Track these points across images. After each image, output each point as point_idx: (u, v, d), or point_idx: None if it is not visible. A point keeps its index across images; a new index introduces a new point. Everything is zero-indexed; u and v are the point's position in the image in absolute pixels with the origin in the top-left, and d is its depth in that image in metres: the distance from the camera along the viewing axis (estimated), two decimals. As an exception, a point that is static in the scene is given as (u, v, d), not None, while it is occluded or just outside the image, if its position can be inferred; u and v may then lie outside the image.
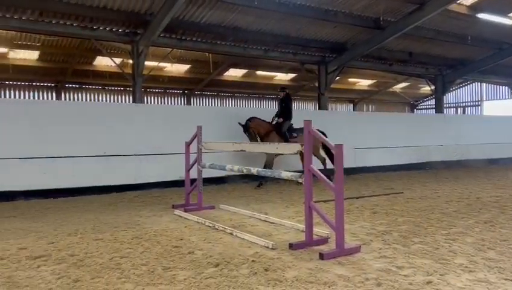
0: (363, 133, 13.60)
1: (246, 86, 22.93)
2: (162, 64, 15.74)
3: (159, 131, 10.13)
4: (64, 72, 18.05)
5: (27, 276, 3.89)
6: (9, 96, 18.86)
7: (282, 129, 10.11)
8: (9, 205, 7.97)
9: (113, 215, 6.92)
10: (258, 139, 9.96)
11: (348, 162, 4.28)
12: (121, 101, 21.62)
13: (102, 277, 3.83)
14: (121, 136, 9.65)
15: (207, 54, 15.85)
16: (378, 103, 30.35)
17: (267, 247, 4.71)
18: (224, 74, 20.78)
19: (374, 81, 25.08)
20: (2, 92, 18.83)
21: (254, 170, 6.03)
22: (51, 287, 3.59)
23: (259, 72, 21.01)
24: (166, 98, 22.95)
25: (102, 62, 17.42)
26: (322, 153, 10.55)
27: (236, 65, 19.46)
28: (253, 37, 13.02)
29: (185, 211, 6.96)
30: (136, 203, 8.19)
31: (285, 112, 10.24)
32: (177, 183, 9.55)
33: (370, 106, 30.63)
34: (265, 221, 6.23)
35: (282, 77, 22.26)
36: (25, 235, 5.54)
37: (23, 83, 19.12)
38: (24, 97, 19.22)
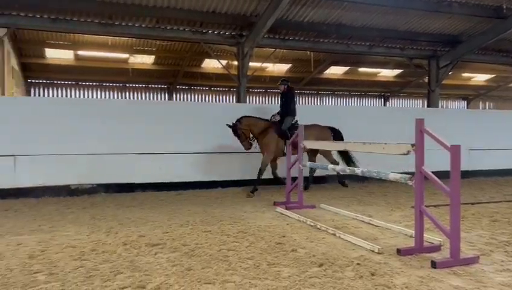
0: (479, 133, 12.41)
1: (347, 83, 22.43)
2: (264, 64, 16.11)
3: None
4: (175, 74, 19.47)
5: (146, 261, 4.27)
6: (128, 97, 20.90)
7: (282, 127, 9.14)
8: (129, 196, 8.83)
9: (220, 209, 7.27)
10: (253, 140, 9.16)
11: (461, 165, 3.92)
12: (226, 101, 22.63)
13: (211, 268, 4.04)
14: (226, 134, 10.11)
15: (308, 52, 15.82)
16: (497, 99, 27.44)
17: (373, 251, 4.54)
18: (325, 72, 20.56)
19: (492, 76, 22.73)
20: (123, 93, 20.93)
21: (358, 171, 5.86)
22: (167, 274, 3.89)
23: (361, 69, 20.39)
24: (267, 98, 23.45)
25: (210, 64, 18.42)
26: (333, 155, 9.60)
27: (337, 63, 19.12)
28: (357, 33, 12.67)
29: (287, 208, 7.03)
30: (239, 198, 8.51)
31: (285, 107, 9.19)
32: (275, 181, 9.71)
33: (487, 103, 27.83)
34: (369, 224, 6.02)
35: (387, 74, 21.34)
36: (143, 224, 6.08)
37: (140, 85, 21.05)
38: (141, 98, 21.14)
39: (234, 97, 22.02)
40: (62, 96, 19.82)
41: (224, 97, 22.80)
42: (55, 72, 18.34)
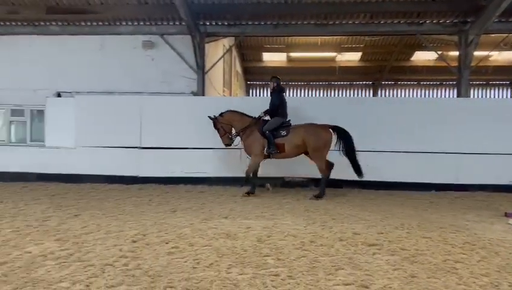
0: None
1: None
2: (490, 53, 14.05)
3: (483, 127, 9.12)
4: (381, 70, 18.91)
5: (365, 261, 4.20)
6: (335, 96, 21.33)
7: (264, 127, 8.23)
8: (338, 192, 8.97)
9: (437, 214, 6.67)
10: (234, 136, 8.50)
11: None
12: (437, 96, 20.77)
13: (438, 278, 3.69)
14: (441, 133, 9.24)
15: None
16: None
17: None
18: None
19: None
20: (328, 92, 21.50)
21: None
22: (389, 277, 3.73)
23: None
24: (489, 91, 20.50)
25: (420, 57, 17.21)
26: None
27: None
28: None
29: (524, 222, 5.94)
30: (458, 204, 7.65)
31: (271, 106, 8.30)
32: (508, 189, 8.35)
33: None
34: None
35: None
36: (356, 221, 6.04)
37: (345, 83, 21.24)
38: (347, 95, 21.33)
39: (447, 91, 20.03)
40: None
41: (435, 91, 20.98)
42: (270, 74, 19.98)
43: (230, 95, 14.80)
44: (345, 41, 15.59)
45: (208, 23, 10.01)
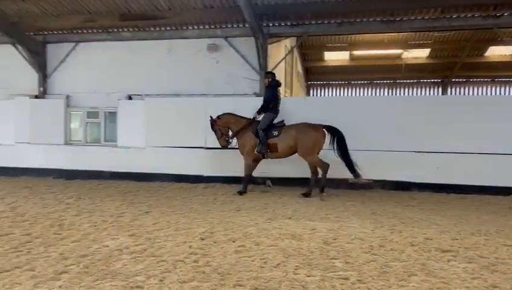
0: None
1: None
2: None
3: None
4: (451, 67, 17.90)
5: (440, 268, 3.99)
6: (399, 94, 20.52)
7: (258, 126, 8.39)
8: (406, 194, 8.61)
9: (518, 221, 6.19)
10: (231, 138, 8.75)
11: None
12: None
13: (525, 291, 3.42)
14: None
15: None
16: None
17: None
18: None
19: None
20: (393, 90, 20.72)
21: None
22: (468, 286, 3.52)
23: None
24: None
25: (495, 52, 16.08)
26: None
27: None
28: None
29: None
30: (542, 211, 7.04)
31: (265, 101, 8.42)
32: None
33: None
34: None
35: None
36: (427, 226, 5.76)
37: (411, 81, 20.35)
38: (411, 94, 20.43)
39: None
40: (336, 95, 21.27)
41: (512, 89, 19.49)
42: (331, 73, 19.85)
43: (291, 95, 14.75)
44: (412, 38, 14.94)
45: (270, 24, 10.05)
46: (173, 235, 5.15)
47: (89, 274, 3.75)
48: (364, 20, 9.59)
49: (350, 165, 8.11)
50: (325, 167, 8.14)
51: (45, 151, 11.12)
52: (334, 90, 21.64)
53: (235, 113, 8.93)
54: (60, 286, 3.45)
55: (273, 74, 8.74)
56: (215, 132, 8.94)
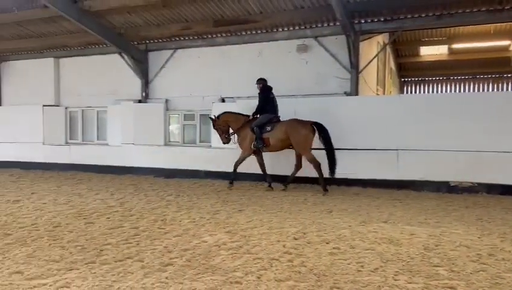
0: None
1: None
2: None
3: None
4: None
5: None
6: (506, 89, 18.68)
7: (253, 124, 9.07)
8: None
9: None
10: (232, 135, 9.54)
11: None
12: None
13: None
14: None
15: None
16: None
17: None
18: None
19: None
20: (499, 85, 18.90)
21: None
22: None
23: None
24: None
25: None
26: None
27: None
28: None
29: None
30: None
31: (257, 107, 9.16)
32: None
33: None
34: None
35: None
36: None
37: (520, 75, 18.39)
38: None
39: None
40: (432, 92, 19.99)
41: None
42: (427, 69, 18.70)
43: (384, 93, 14.18)
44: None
45: (362, 21, 9.75)
46: (267, 233, 5.24)
47: (191, 268, 3.97)
48: (467, 11, 8.86)
49: (332, 162, 8.45)
50: (317, 163, 8.51)
51: (147, 152, 12.01)
52: (430, 86, 20.37)
53: (234, 111, 9.72)
54: (166, 277, 3.70)
55: (264, 80, 9.31)
56: (216, 130, 9.68)
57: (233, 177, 9.38)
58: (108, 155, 12.55)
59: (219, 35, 11.39)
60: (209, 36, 11.55)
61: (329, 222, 5.94)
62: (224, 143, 9.71)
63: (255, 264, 4.06)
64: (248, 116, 9.33)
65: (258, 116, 9.13)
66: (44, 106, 13.55)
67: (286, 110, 10.13)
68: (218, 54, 11.64)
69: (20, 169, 13.25)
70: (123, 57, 12.39)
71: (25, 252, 4.41)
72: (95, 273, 3.79)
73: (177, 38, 11.92)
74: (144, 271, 3.86)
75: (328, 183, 8.73)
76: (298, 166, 8.94)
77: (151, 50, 12.42)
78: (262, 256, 4.30)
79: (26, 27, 12.34)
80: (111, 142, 12.67)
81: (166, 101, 12.17)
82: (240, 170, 9.47)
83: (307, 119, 8.79)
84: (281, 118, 9.23)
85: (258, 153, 9.30)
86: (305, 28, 10.47)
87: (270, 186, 9.10)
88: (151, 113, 12.12)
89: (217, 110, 11.16)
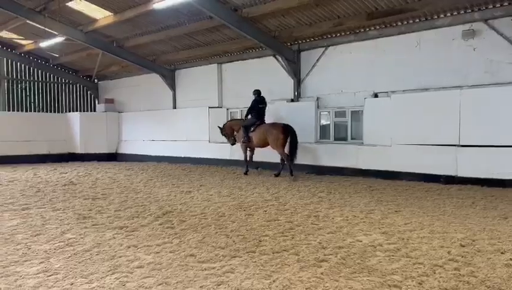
0: None
1: None
2: None
3: None
4: None
5: None
6: None
7: (241, 123, 11.93)
8: None
9: None
10: (235, 137, 12.32)
11: None
12: None
13: None
14: None
15: None
16: None
17: None
18: None
19: None
20: None
21: None
22: None
23: None
24: None
25: None
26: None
27: None
28: None
29: None
30: None
31: (247, 110, 11.81)
32: None
33: None
34: None
35: None
36: None
37: None
38: None
39: None
40: None
41: None
42: None
43: None
44: None
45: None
46: (428, 237, 4.86)
47: (346, 266, 3.92)
48: None
49: (292, 156, 10.65)
50: (287, 156, 10.68)
51: (300, 149, 12.29)
52: None
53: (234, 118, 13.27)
54: (321, 273, 3.73)
55: (258, 90, 11.74)
56: (224, 135, 12.60)
57: (245, 171, 11.77)
58: (264, 153, 13.26)
59: (372, 28, 10.99)
60: (362, 30, 11.24)
61: (503, 229, 5.22)
62: (231, 144, 12.61)
63: (415, 269, 3.80)
64: (242, 120, 12.28)
65: (245, 118, 11.89)
66: (209, 107, 15.06)
67: (448, 104, 9.28)
68: (370, 48, 11.24)
69: (191, 164, 14.98)
70: (277, 59, 12.95)
71: (196, 238, 4.96)
72: (255, 262, 4.05)
73: (329, 36, 11.92)
74: (300, 265, 3.96)
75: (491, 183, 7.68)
76: (284, 159, 10.85)
77: (303, 50, 12.67)
78: (423, 261, 4.01)
79: (194, 37, 13.90)
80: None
81: (317, 99, 12.28)
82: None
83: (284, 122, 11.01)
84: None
85: (249, 148, 11.83)
86: (472, 11, 9.35)
87: (246, 173, 11.64)
88: (303, 111, 12.37)
89: (369, 106, 10.84)
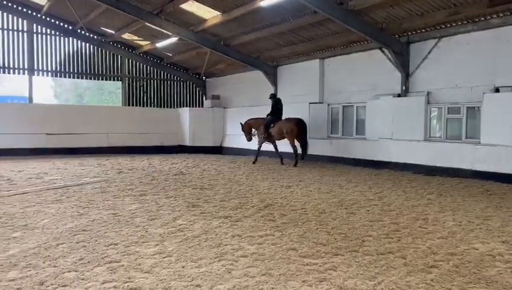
0: None
1: None
2: None
3: None
4: None
5: None
6: None
7: (265, 122, 13.68)
8: None
9: None
10: (254, 134, 14.27)
11: None
12: None
13: None
14: None
15: None
16: None
17: None
18: None
19: None
20: None
21: None
22: None
23: None
24: None
25: None
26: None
27: None
28: None
29: None
30: None
31: (271, 111, 13.72)
32: None
33: None
34: None
35: None
36: None
37: None
38: None
39: None
40: None
41: None
42: None
43: None
44: None
45: None
46: (561, 252, 4.26)
47: (460, 275, 3.62)
48: None
49: (304, 148, 13.09)
50: (296, 149, 12.81)
51: (406, 147, 11.67)
52: None
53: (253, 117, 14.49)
54: (431, 280, 3.49)
55: (274, 94, 14.47)
56: (244, 132, 14.44)
57: (254, 160, 13.84)
58: (366, 149, 12.84)
59: (494, 16, 9.92)
60: (481, 19, 10.20)
61: None
62: (247, 141, 14.51)
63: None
64: (263, 118, 13.92)
65: (267, 117, 13.75)
66: (310, 103, 15.00)
67: None
68: (491, 38, 10.15)
69: (289, 159, 15.08)
70: (383, 52, 12.39)
71: (297, 233, 4.99)
72: (358, 262, 3.94)
73: (442, 26, 11.04)
74: (407, 269, 3.76)
75: None
76: (295, 150, 12.85)
77: (413, 42, 11.91)
78: (555, 278, 3.53)
79: (298, 33, 13.92)
80: (369, 137, 12.92)
81: (428, 93, 11.47)
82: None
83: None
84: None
85: (269, 140, 13.64)
86: None
87: (282, 163, 13.34)
88: (411, 107, 11.67)
89: (489, 101, 9.83)
